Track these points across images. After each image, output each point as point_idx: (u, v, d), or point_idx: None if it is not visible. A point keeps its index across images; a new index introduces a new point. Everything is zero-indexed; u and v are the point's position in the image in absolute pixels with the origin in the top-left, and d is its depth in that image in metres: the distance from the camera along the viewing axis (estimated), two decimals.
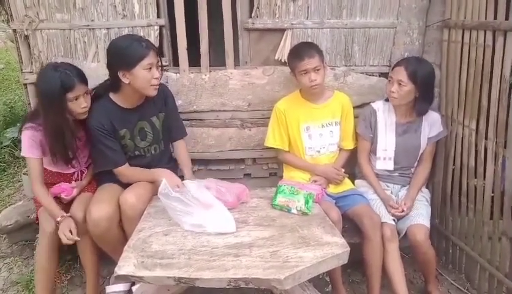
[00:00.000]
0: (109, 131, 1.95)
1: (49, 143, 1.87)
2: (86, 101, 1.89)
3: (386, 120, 2.16)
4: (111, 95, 1.98)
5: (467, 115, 2.08)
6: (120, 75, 1.85)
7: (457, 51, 2.12)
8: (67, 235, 1.82)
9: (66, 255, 2.30)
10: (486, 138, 1.97)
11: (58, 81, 1.78)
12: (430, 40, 2.33)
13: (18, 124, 1.91)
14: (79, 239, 1.85)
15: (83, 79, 1.88)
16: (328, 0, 2.27)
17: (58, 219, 1.85)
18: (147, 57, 1.82)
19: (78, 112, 1.88)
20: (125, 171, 2.01)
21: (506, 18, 1.79)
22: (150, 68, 1.85)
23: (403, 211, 2.04)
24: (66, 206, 1.99)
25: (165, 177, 1.89)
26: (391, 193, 2.21)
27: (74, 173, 2.07)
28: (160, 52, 2.24)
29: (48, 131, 1.85)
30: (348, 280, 2.25)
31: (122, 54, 1.83)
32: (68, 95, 1.81)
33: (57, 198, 1.99)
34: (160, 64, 1.93)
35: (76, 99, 1.84)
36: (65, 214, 1.87)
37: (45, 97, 1.82)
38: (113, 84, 1.94)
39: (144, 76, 1.84)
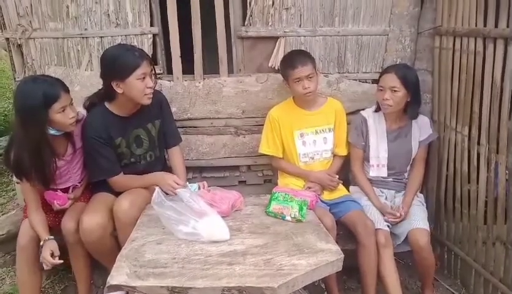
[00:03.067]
0: (105, 140, 1.94)
1: (26, 161, 1.75)
2: (73, 111, 1.82)
3: (377, 128, 2.18)
4: (107, 104, 1.97)
5: (460, 121, 2.09)
6: (113, 85, 1.84)
7: (448, 57, 2.14)
8: (48, 259, 1.77)
9: (58, 266, 2.28)
10: (479, 144, 1.98)
11: (40, 94, 1.68)
12: (422, 46, 2.35)
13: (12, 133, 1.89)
14: (60, 262, 1.80)
15: (66, 89, 1.79)
16: (320, 8, 2.29)
17: (41, 243, 1.82)
18: (140, 67, 1.82)
19: (67, 124, 1.79)
20: (120, 180, 2.01)
21: (496, 26, 1.82)
22: (144, 77, 1.84)
23: (400, 216, 2.04)
24: (57, 213, 1.98)
25: (160, 180, 1.92)
26: (386, 198, 2.21)
27: (69, 187, 2.03)
28: (153, 61, 2.25)
29: (26, 149, 1.73)
30: (343, 287, 2.25)
31: (115, 64, 1.82)
32: (54, 107, 1.72)
33: (49, 205, 1.96)
34: (153, 72, 1.93)
35: (63, 110, 1.75)
36: (47, 238, 1.82)
37: (25, 112, 1.70)
38: (107, 93, 1.93)
39: (137, 86, 1.84)
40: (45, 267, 1.81)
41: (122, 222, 1.85)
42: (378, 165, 2.19)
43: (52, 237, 1.84)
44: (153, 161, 2.14)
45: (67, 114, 1.78)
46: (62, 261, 1.82)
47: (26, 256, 1.86)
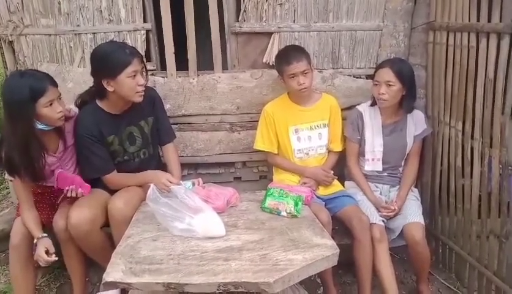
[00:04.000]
0: (97, 138, 1.93)
1: (15, 156, 1.72)
2: (62, 106, 1.79)
3: (372, 122, 2.18)
4: (98, 102, 1.96)
5: (453, 116, 2.10)
6: (104, 83, 1.82)
7: (442, 52, 2.14)
8: (43, 257, 1.76)
9: (54, 263, 2.27)
10: (472, 138, 1.99)
11: (26, 88, 1.66)
12: (416, 42, 2.36)
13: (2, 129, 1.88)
14: (55, 259, 1.80)
15: (54, 83, 1.77)
16: (315, 4, 2.29)
17: (35, 241, 1.81)
18: (131, 65, 1.80)
19: (55, 118, 1.76)
20: (114, 178, 1.99)
21: (489, 20, 1.82)
22: (134, 75, 1.82)
23: (394, 210, 2.05)
24: (51, 210, 1.96)
25: (153, 178, 1.90)
26: (380, 193, 2.22)
27: None
28: (147, 57, 2.24)
29: (15, 143, 1.71)
30: (339, 282, 2.26)
31: (106, 62, 1.80)
32: (41, 101, 1.69)
33: (42, 202, 1.95)
34: (145, 69, 1.91)
35: (50, 104, 1.72)
36: (40, 236, 1.80)
37: (12, 107, 1.68)
38: (98, 91, 1.91)
39: (128, 84, 1.82)
40: (41, 265, 1.80)
41: (116, 220, 1.84)
42: (373, 159, 2.20)
43: (45, 234, 1.83)
44: (147, 158, 2.12)
45: (55, 108, 1.75)
46: (57, 258, 1.81)
47: (19, 254, 1.85)
